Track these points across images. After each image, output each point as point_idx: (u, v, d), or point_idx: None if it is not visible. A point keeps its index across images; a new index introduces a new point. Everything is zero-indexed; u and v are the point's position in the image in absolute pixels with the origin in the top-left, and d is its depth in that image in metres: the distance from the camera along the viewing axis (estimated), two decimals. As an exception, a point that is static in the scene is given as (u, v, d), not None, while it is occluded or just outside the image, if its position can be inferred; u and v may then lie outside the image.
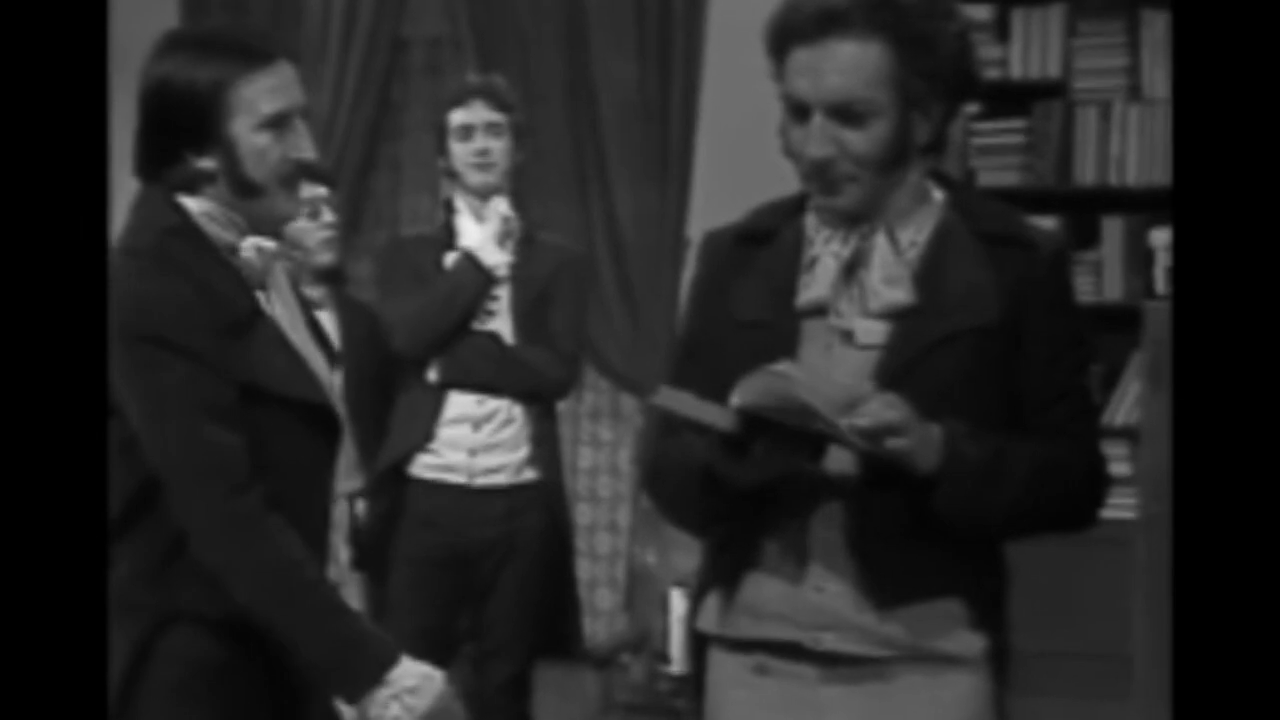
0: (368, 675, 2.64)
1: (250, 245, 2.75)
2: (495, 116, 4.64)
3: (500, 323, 4.63)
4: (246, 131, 2.70)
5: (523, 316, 4.63)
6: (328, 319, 4.43)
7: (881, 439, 2.44)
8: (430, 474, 4.58)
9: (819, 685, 2.59)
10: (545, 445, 4.69)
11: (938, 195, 2.64)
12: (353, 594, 4.49)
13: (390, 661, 2.65)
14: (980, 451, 2.51)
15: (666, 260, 6.37)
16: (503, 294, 4.62)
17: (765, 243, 2.67)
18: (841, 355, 2.57)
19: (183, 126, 2.70)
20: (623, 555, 6.64)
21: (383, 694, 2.63)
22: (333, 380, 2.86)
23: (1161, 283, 5.70)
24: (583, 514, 6.68)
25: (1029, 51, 5.89)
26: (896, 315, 2.56)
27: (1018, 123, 5.85)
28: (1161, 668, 2.91)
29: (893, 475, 2.49)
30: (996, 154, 5.81)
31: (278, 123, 2.72)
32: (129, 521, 2.66)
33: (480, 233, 4.62)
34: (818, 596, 2.57)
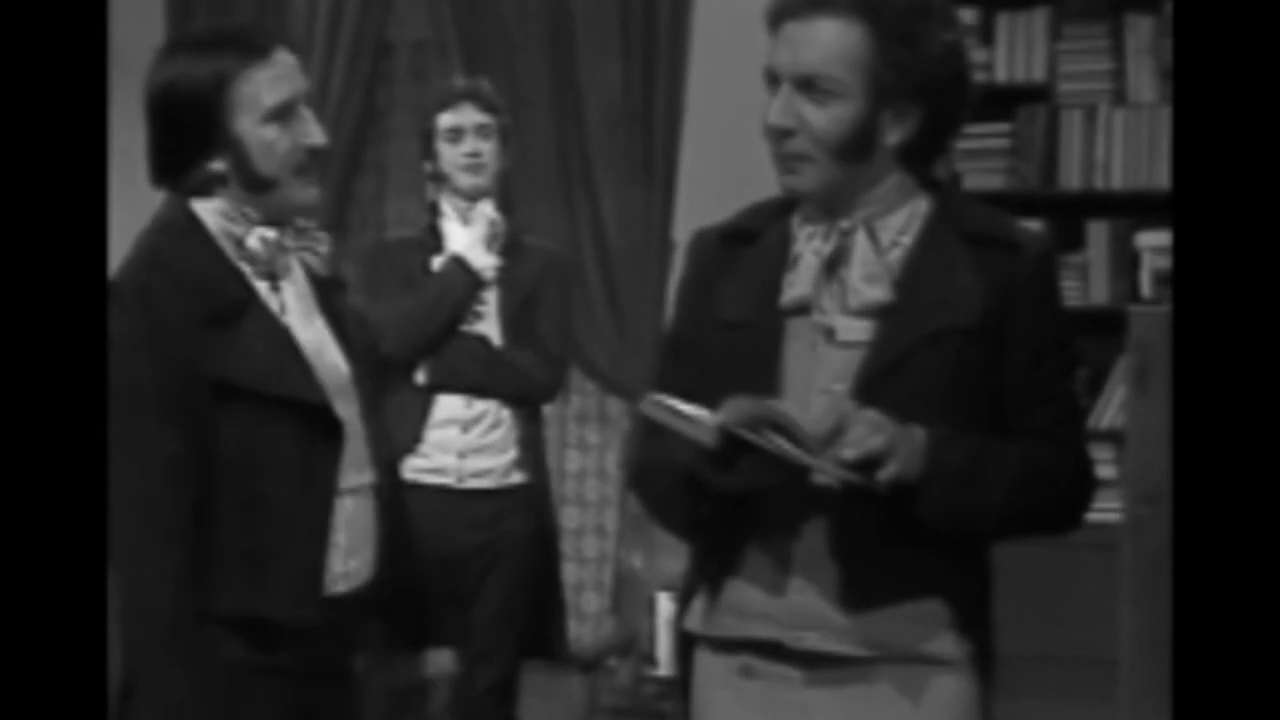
0: None
1: (255, 235, 2.75)
2: (484, 119, 4.64)
3: (488, 325, 4.63)
4: (252, 126, 2.71)
5: (510, 319, 4.63)
6: None
7: (867, 469, 2.44)
8: (419, 477, 4.58)
9: (803, 687, 2.60)
10: (532, 448, 4.69)
11: (925, 198, 2.65)
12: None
13: None
14: (964, 456, 2.51)
15: (652, 263, 6.37)
16: (490, 297, 4.63)
17: (751, 242, 2.68)
18: (825, 354, 2.58)
19: (189, 129, 2.71)
20: (610, 559, 6.64)
21: None
22: (348, 374, 2.85)
23: (1147, 286, 5.72)
24: (570, 517, 6.68)
25: (1014, 55, 5.90)
26: (877, 313, 2.57)
27: (1002, 126, 5.86)
28: (1147, 671, 2.91)
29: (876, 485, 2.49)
30: (981, 158, 5.81)
31: (282, 113, 2.73)
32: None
33: (467, 236, 4.62)
34: (800, 597, 2.58)
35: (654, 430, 2.62)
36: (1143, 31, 5.78)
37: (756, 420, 2.43)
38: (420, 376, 4.59)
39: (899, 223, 2.62)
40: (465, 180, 4.62)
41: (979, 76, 5.73)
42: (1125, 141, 5.78)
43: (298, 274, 2.84)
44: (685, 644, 2.72)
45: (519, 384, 4.62)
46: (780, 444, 2.43)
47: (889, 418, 2.46)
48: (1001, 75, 5.88)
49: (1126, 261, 5.77)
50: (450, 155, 4.63)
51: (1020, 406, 2.59)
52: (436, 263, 4.62)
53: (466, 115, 4.63)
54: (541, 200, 6.39)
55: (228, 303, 2.71)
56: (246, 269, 2.77)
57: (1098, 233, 5.82)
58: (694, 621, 2.69)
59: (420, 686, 3.10)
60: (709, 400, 2.49)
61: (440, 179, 4.68)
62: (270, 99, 2.72)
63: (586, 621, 6.66)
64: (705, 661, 2.69)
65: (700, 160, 6.30)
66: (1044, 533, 2.67)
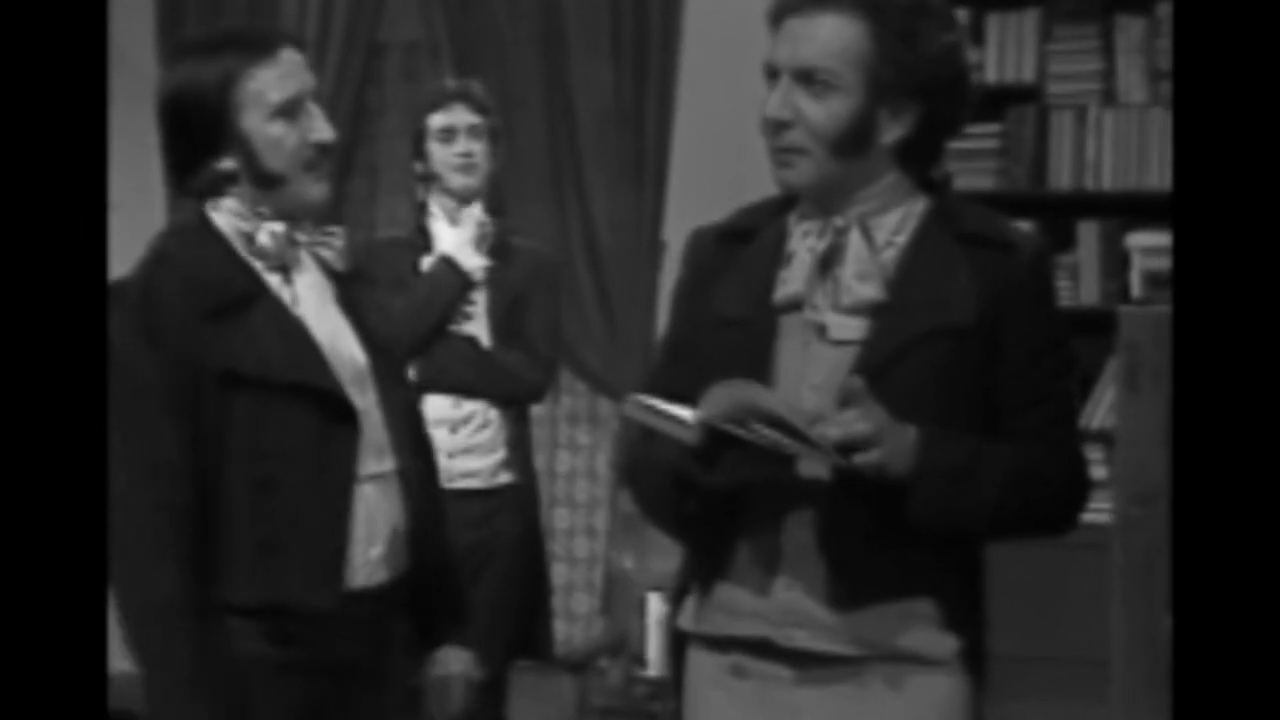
0: None
1: (264, 231, 2.77)
2: (476, 120, 4.65)
3: (477, 326, 4.63)
4: (259, 124, 2.75)
5: (498, 320, 4.64)
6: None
7: (851, 451, 2.45)
8: (407, 477, 4.57)
9: (794, 686, 2.60)
10: (520, 449, 4.70)
11: (920, 198, 2.65)
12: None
13: None
14: (955, 455, 2.52)
15: (643, 263, 6.36)
16: (479, 298, 4.63)
17: (748, 241, 2.69)
18: (818, 351, 2.58)
19: (198, 130, 2.75)
20: (600, 559, 6.64)
21: None
22: (365, 364, 2.86)
23: (1137, 287, 5.72)
24: (560, 518, 6.68)
25: (1004, 56, 5.91)
26: (869, 312, 2.57)
27: (992, 127, 5.86)
28: (1138, 671, 2.92)
29: (865, 479, 2.49)
30: (971, 158, 5.81)
31: (289, 110, 2.76)
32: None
33: (456, 236, 4.62)
34: (789, 595, 2.58)
35: (645, 429, 2.63)
36: (1133, 32, 5.79)
37: (738, 411, 2.43)
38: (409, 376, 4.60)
39: (894, 222, 2.62)
40: (458, 181, 4.63)
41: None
42: (1115, 142, 5.79)
43: (311, 267, 2.86)
44: (677, 643, 2.73)
45: (507, 385, 4.62)
46: (764, 433, 2.43)
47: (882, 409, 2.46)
48: (992, 75, 5.88)
49: (1117, 262, 5.77)
50: (443, 156, 4.63)
51: (1014, 407, 2.59)
52: (425, 263, 4.62)
53: (459, 116, 4.64)
54: (533, 200, 6.39)
55: (234, 296, 2.74)
56: (257, 264, 2.80)
57: (1088, 233, 5.82)
58: (686, 620, 2.70)
59: (440, 686, 3.08)
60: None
61: (430, 179, 4.68)
62: (277, 96, 2.75)
63: (577, 622, 6.66)
64: (697, 661, 2.69)
65: (691, 161, 6.30)
66: (1038, 534, 2.67)
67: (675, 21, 6.38)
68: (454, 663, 3.04)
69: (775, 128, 2.58)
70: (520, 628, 4.70)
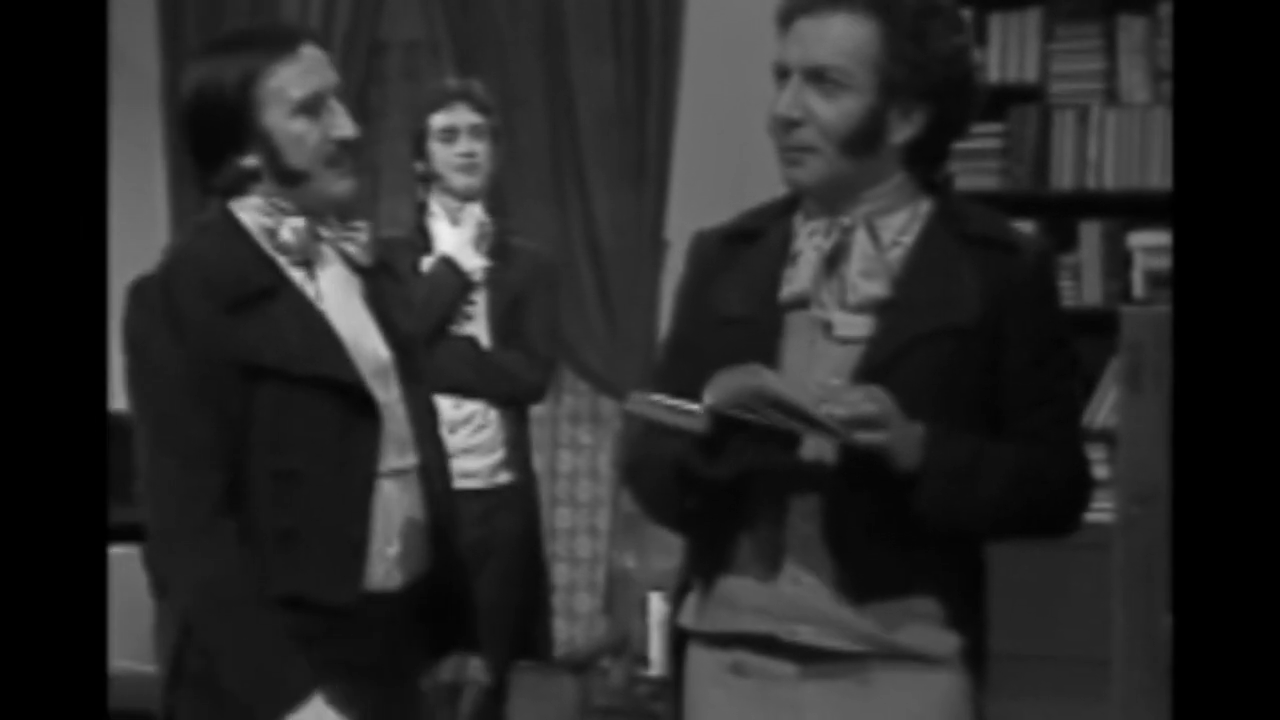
0: (267, 712, 2.64)
1: (287, 226, 2.78)
2: (478, 119, 4.64)
3: (476, 327, 4.63)
4: (281, 120, 2.76)
5: (498, 321, 4.63)
6: None
7: (856, 429, 2.45)
8: (408, 478, 4.57)
9: (796, 683, 2.60)
10: (519, 449, 4.69)
11: (927, 199, 2.66)
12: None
13: (295, 699, 2.65)
14: (961, 453, 2.52)
15: (644, 263, 6.36)
16: (479, 298, 4.63)
17: (753, 241, 2.69)
18: (824, 349, 2.59)
19: (220, 129, 2.76)
20: (602, 559, 6.64)
21: None
22: (388, 359, 2.86)
23: (1139, 287, 5.72)
24: (562, 518, 6.68)
25: (1006, 55, 5.91)
26: (875, 310, 2.58)
27: (995, 127, 5.86)
28: (1139, 670, 2.92)
29: (871, 470, 2.50)
30: (973, 158, 5.81)
31: (311, 106, 2.77)
32: None
33: (456, 236, 4.62)
34: (794, 589, 2.58)
35: (647, 427, 2.63)
36: (1135, 32, 5.79)
37: (746, 395, 2.44)
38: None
39: (900, 223, 2.63)
40: (460, 180, 4.63)
41: (971, 77, 5.74)
42: (1117, 142, 5.79)
43: (335, 262, 2.87)
44: (678, 642, 2.73)
45: (507, 385, 4.62)
46: (772, 415, 2.44)
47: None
48: (994, 75, 5.88)
49: (1119, 262, 5.77)
50: (444, 155, 4.63)
51: (1018, 407, 2.60)
52: (425, 263, 4.62)
53: (460, 115, 4.63)
54: (534, 200, 6.39)
55: (254, 289, 2.75)
56: (280, 259, 2.81)
57: (1090, 233, 5.82)
58: (687, 617, 2.70)
59: (450, 692, 3.07)
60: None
61: (431, 179, 4.67)
62: (298, 92, 2.76)
63: (579, 622, 6.66)
64: (698, 659, 2.69)
65: (693, 161, 6.31)
66: (1042, 534, 2.67)
67: (677, 21, 6.38)
68: (465, 668, 3.04)
69: (785, 126, 2.59)
70: (520, 627, 4.69)
